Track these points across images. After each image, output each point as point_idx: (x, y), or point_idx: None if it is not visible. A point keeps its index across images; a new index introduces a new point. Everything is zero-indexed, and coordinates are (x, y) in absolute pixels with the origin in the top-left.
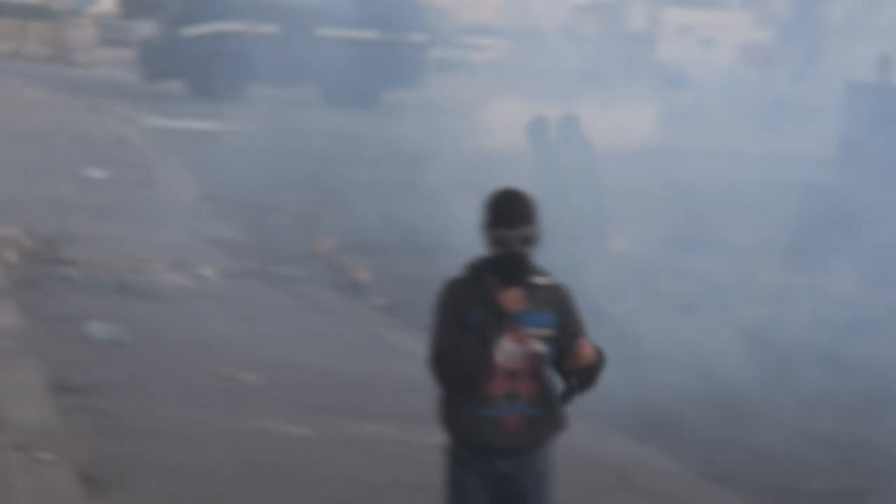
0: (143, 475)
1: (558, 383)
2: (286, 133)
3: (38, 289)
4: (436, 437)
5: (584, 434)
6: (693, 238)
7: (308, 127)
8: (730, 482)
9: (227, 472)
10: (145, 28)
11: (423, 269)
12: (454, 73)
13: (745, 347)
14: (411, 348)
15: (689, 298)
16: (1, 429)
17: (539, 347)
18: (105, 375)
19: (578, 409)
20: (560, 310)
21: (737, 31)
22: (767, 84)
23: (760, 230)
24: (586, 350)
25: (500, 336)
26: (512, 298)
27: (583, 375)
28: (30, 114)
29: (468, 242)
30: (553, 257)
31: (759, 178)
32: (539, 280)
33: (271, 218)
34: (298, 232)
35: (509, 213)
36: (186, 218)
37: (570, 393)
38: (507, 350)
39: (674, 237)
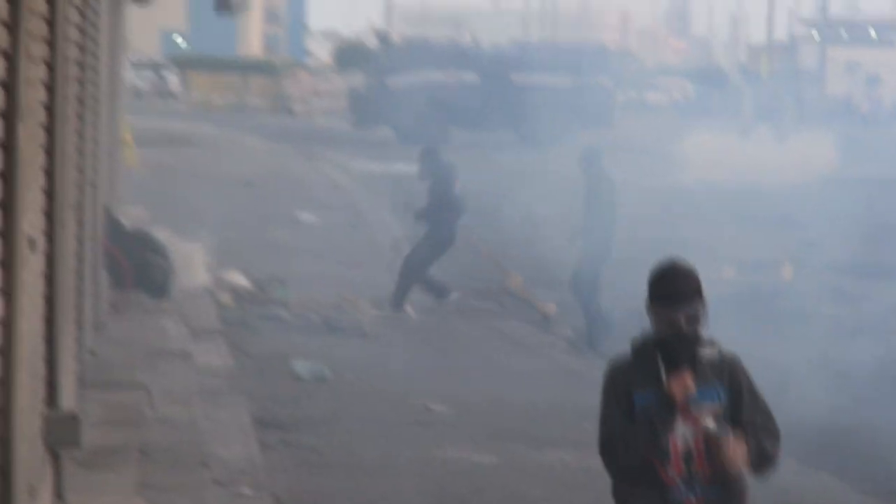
0: None
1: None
2: (484, 174)
3: (249, 329)
4: None
5: None
6: (866, 264)
7: (504, 167)
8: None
9: (417, 502)
10: (355, 79)
11: (603, 299)
12: (641, 112)
13: None
14: (593, 376)
15: (853, 323)
16: (204, 465)
17: (711, 424)
18: (307, 411)
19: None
20: (730, 382)
21: None
22: None
23: None
24: (733, 454)
25: (671, 420)
26: (682, 385)
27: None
28: (250, 161)
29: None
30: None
31: None
32: (707, 352)
33: (466, 256)
34: (491, 268)
35: (674, 289)
36: (389, 257)
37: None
38: (679, 432)
39: (847, 264)
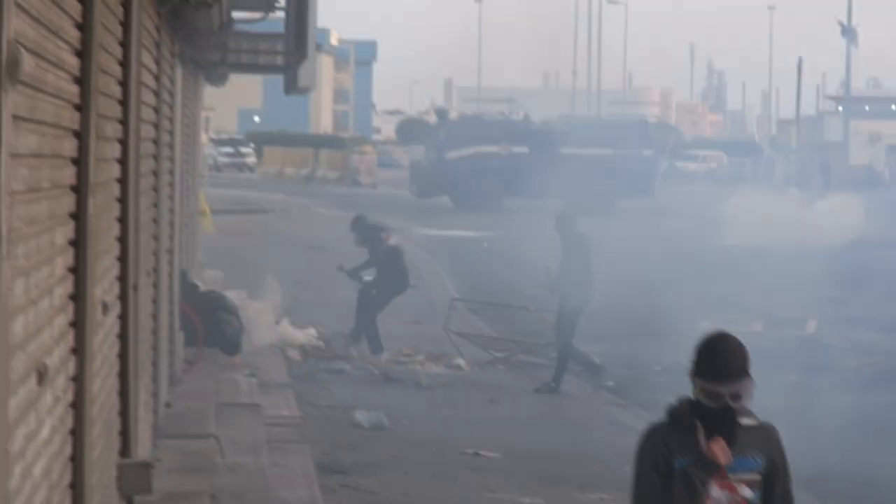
0: None
1: None
2: (533, 239)
3: (315, 382)
4: None
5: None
6: (889, 319)
7: (552, 233)
8: None
9: None
10: (416, 152)
11: (644, 352)
12: (680, 180)
13: None
14: (633, 424)
15: (871, 373)
16: None
17: (748, 493)
18: (366, 457)
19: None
20: (768, 452)
21: None
22: None
23: None
24: None
25: (708, 486)
26: (722, 451)
27: None
28: (320, 228)
29: (684, 327)
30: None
31: None
32: (746, 422)
33: (516, 313)
34: (538, 324)
35: (722, 367)
36: (444, 314)
37: None
38: (715, 498)
39: (870, 319)
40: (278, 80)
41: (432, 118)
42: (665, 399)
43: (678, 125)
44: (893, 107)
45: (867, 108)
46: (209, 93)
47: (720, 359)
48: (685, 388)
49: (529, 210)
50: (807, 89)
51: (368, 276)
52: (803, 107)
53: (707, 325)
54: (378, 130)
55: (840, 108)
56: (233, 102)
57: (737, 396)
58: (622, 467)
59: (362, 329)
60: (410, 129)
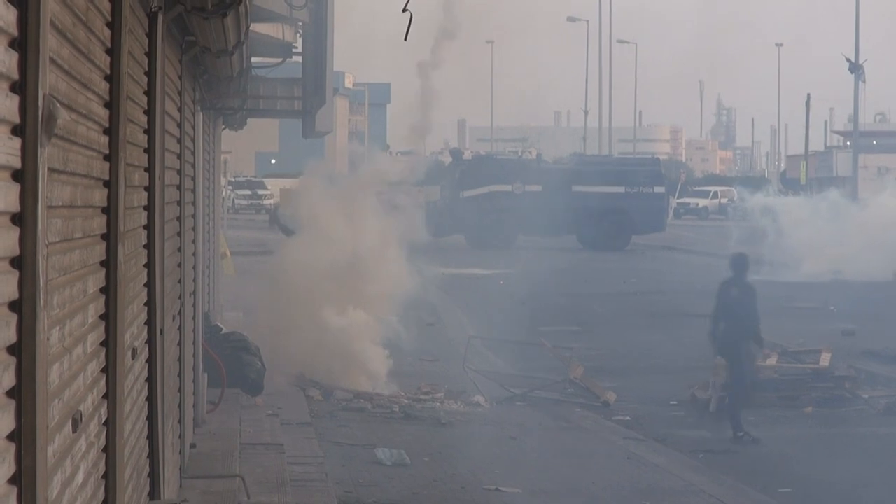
0: None
1: None
2: (548, 275)
3: (336, 420)
4: None
5: None
6: (892, 350)
7: (566, 268)
8: None
9: None
10: (432, 192)
11: (659, 386)
12: (691, 216)
13: None
14: (650, 458)
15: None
16: None
17: None
18: (388, 493)
19: None
20: None
21: None
22: None
23: None
24: None
25: None
26: None
27: None
28: None
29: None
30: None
31: None
32: None
33: (532, 350)
34: (555, 361)
35: None
36: (462, 352)
37: None
38: None
39: (881, 351)
40: (295, 122)
41: (446, 158)
42: (681, 433)
43: (688, 162)
44: None
45: (875, 142)
46: (227, 136)
47: None
48: (700, 423)
49: (542, 248)
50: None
51: None
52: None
53: (722, 361)
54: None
55: (848, 143)
56: (250, 146)
57: None
58: (639, 500)
59: None
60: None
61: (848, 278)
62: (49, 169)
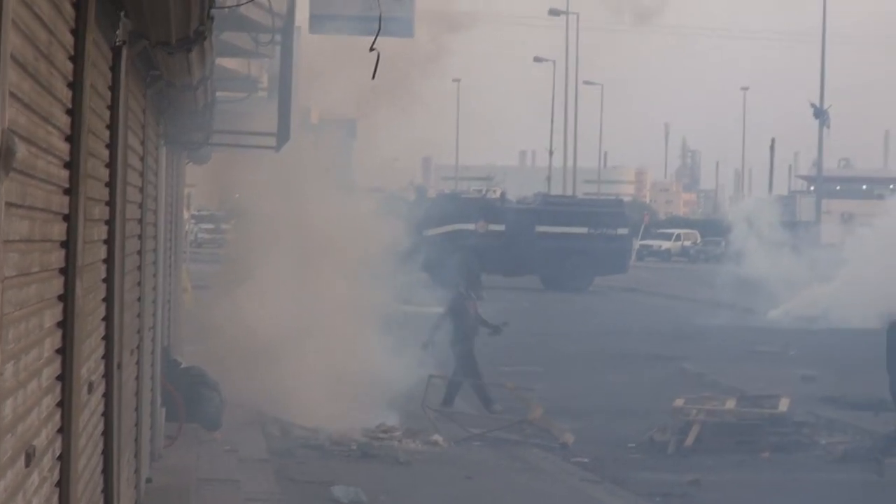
0: None
1: None
2: (511, 316)
3: (293, 457)
4: None
5: None
6: (851, 396)
7: (529, 309)
8: None
9: None
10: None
11: (618, 428)
12: (653, 258)
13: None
14: (606, 500)
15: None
16: None
17: None
18: None
19: None
20: None
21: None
22: None
23: None
24: None
25: None
26: None
27: None
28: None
29: (656, 405)
30: None
31: None
32: None
33: (492, 390)
34: (515, 402)
35: None
36: (422, 394)
37: None
38: None
39: (840, 397)
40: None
41: (410, 196)
42: (638, 476)
43: (652, 203)
44: (864, 187)
45: (838, 187)
46: (191, 170)
47: None
48: (658, 465)
49: (505, 287)
50: (779, 169)
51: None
52: (776, 186)
53: (680, 403)
54: None
55: (812, 188)
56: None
57: None
58: None
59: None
60: (389, 207)
61: (819, 326)
62: (6, 203)
